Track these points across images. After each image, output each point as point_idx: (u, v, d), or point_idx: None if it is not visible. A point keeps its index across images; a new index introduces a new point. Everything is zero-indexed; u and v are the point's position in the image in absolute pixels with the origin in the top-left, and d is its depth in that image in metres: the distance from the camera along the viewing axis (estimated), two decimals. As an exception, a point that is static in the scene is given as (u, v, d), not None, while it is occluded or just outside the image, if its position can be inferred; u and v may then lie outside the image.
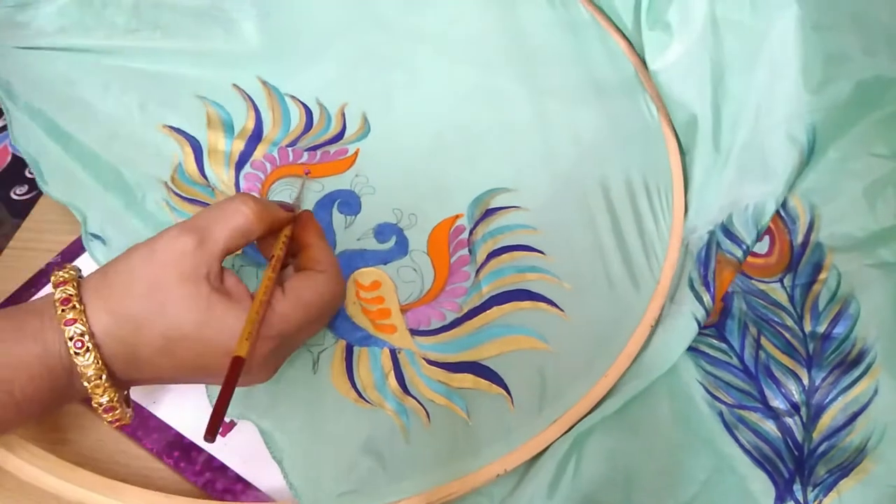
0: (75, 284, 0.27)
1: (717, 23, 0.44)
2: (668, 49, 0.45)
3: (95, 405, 0.27)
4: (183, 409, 0.35)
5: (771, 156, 0.42)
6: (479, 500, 0.35)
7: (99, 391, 0.27)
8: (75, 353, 0.26)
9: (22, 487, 0.33)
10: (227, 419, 0.35)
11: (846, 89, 0.42)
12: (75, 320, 0.26)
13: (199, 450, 0.35)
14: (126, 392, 0.30)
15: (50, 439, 0.35)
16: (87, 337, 0.26)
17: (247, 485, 0.35)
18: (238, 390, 0.34)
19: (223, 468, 0.35)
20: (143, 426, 0.36)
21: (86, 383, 0.26)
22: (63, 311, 0.26)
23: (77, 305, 0.27)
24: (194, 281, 0.27)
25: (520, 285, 0.40)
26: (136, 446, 0.36)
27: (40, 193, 0.41)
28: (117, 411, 0.28)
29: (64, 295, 0.27)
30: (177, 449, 0.35)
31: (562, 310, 0.39)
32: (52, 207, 0.39)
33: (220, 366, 0.27)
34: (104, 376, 0.26)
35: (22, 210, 0.41)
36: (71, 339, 0.26)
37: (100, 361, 0.26)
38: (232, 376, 0.26)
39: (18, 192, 0.42)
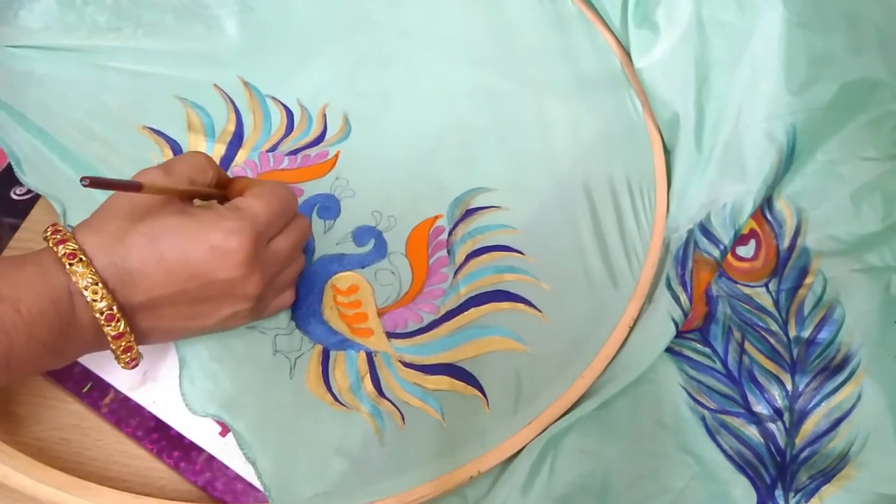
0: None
1: (703, 23, 0.46)
2: (654, 47, 0.47)
3: (97, 314, 0.30)
4: (183, 409, 0.36)
5: (749, 155, 0.44)
6: (453, 502, 0.37)
7: (97, 297, 0.29)
8: (69, 265, 0.29)
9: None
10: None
11: (830, 91, 0.44)
12: (60, 230, 0.31)
13: (200, 450, 0.37)
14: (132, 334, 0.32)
15: (49, 438, 0.37)
16: (77, 252, 0.29)
17: (247, 485, 0.37)
18: (211, 390, 0.36)
19: (223, 468, 0.37)
20: (144, 426, 0.37)
21: (84, 293, 0.29)
22: (47, 231, 0.31)
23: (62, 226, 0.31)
24: (167, 197, 0.32)
25: (498, 286, 0.41)
26: (137, 446, 0.37)
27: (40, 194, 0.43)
28: (121, 324, 0.30)
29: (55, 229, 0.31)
30: (177, 449, 0.37)
31: (540, 310, 0.41)
32: (52, 208, 0.41)
33: (207, 263, 0.31)
34: (100, 283, 0.29)
35: (22, 210, 0.43)
36: (64, 255, 0.29)
37: (93, 269, 0.29)
38: (125, 183, 0.29)
39: (18, 193, 0.43)
